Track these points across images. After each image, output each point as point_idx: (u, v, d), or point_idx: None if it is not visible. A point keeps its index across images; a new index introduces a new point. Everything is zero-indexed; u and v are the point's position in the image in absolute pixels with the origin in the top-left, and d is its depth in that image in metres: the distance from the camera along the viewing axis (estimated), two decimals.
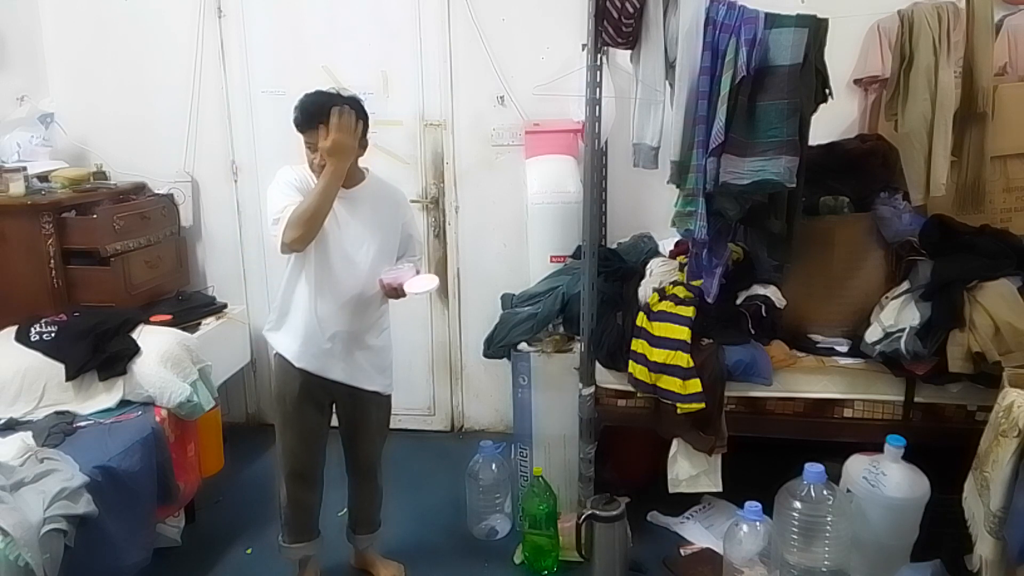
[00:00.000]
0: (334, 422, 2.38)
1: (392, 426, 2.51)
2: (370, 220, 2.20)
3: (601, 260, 2.64)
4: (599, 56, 2.35)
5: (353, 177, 2.18)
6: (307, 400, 2.26)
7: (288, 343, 2.24)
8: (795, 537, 2.18)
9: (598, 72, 2.33)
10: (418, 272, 2.26)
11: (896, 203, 2.47)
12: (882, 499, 2.19)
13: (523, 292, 2.87)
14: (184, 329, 2.88)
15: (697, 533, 2.66)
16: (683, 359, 2.34)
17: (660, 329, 2.40)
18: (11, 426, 2.34)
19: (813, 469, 2.17)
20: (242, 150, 3.46)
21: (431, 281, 2.26)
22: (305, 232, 2.03)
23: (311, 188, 2.09)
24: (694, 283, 2.44)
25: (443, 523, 2.85)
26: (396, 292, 2.20)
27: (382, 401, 2.40)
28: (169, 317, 2.95)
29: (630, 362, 2.44)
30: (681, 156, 2.21)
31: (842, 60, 2.72)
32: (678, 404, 2.34)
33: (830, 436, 2.40)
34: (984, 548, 1.83)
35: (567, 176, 2.95)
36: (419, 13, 3.25)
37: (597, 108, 2.37)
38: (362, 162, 2.22)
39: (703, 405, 2.33)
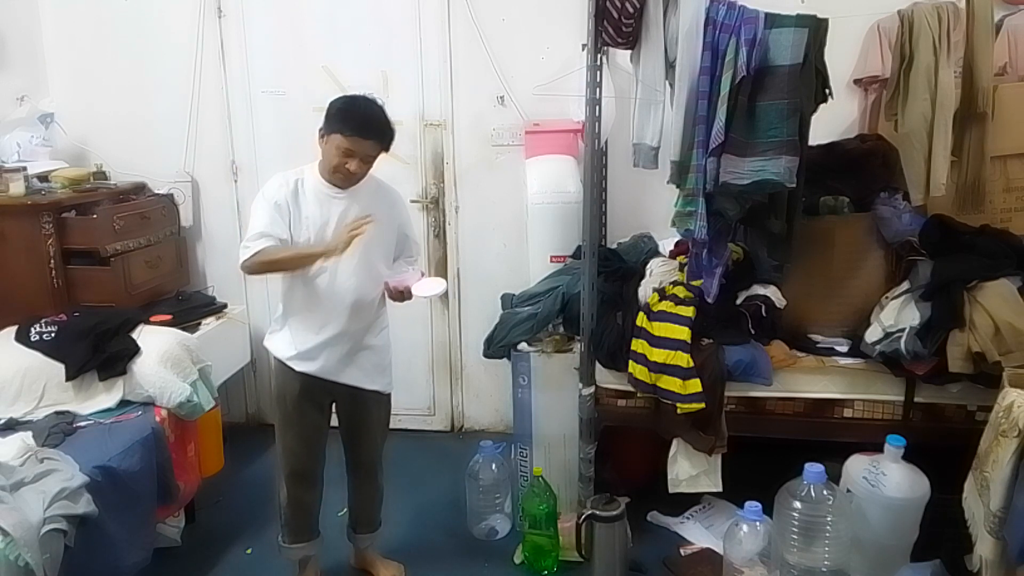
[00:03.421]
0: (334, 422, 2.38)
1: (392, 426, 2.51)
2: None
3: (601, 260, 2.63)
4: (599, 56, 2.35)
5: None
6: (307, 400, 2.27)
7: (287, 347, 2.24)
8: (795, 537, 2.18)
9: (598, 72, 2.33)
10: (423, 275, 2.25)
11: (896, 203, 2.47)
12: (882, 499, 2.19)
13: (523, 292, 2.87)
14: (184, 329, 2.88)
15: (697, 533, 2.66)
16: (683, 359, 2.34)
17: (660, 329, 2.40)
18: (11, 426, 2.34)
19: (813, 469, 2.17)
20: (242, 150, 3.46)
21: (439, 284, 2.25)
22: (261, 273, 2.20)
23: (297, 202, 2.12)
24: (694, 283, 2.43)
25: (443, 523, 2.84)
26: (403, 295, 2.20)
27: (382, 400, 2.40)
28: (169, 317, 2.95)
29: (630, 362, 2.44)
30: (681, 156, 2.21)
31: (842, 60, 2.72)
32: (678, 404, 2.34)
33: (830, 436, 2.40)
34: (984, 548, 1.83)
35: (567, 176, 2.94)
36: (419, 13, 3.24)
37: (597, 108, 2.37)
38: None
39: (703, 405, 2.33)
